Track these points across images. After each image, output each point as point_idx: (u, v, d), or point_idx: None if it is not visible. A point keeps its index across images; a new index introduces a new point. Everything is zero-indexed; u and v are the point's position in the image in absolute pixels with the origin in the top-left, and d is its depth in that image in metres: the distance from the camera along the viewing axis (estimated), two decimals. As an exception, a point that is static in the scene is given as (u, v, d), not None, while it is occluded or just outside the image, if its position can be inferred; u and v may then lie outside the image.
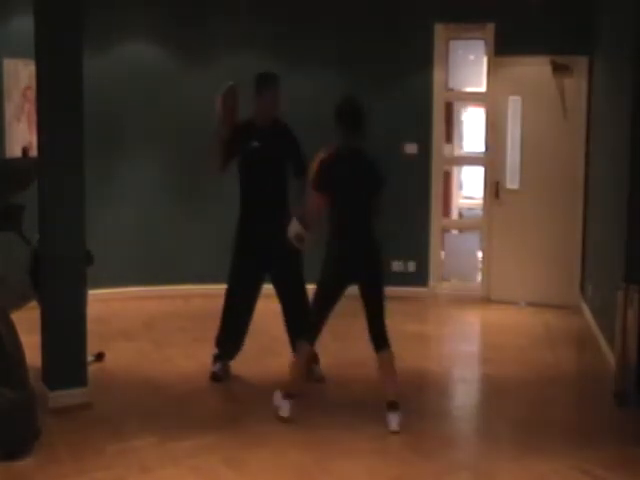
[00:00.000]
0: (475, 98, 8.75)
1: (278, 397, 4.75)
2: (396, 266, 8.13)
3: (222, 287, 7.54)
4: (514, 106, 7.83)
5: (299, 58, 7.92)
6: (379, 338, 4.74)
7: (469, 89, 8.51)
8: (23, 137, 7.21)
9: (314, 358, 5.35)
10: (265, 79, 5.33)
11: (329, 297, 4.72)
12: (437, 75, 7.93)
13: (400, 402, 4.60)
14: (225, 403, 5.08)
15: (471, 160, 9.12)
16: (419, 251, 8.09)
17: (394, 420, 4.53)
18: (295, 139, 5.43)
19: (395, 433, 4.50)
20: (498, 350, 6.27)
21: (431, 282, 8.12)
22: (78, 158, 4.84)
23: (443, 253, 8.32)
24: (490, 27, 7.75)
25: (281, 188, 5.39)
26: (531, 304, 7.69)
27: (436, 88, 7.96)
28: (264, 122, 5.34)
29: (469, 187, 10.16)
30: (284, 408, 4.67)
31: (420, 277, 8.11)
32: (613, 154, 6.11)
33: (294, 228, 4.93)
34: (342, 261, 4.67)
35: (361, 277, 4.70)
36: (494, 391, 5.42)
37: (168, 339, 6.41)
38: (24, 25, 5.85)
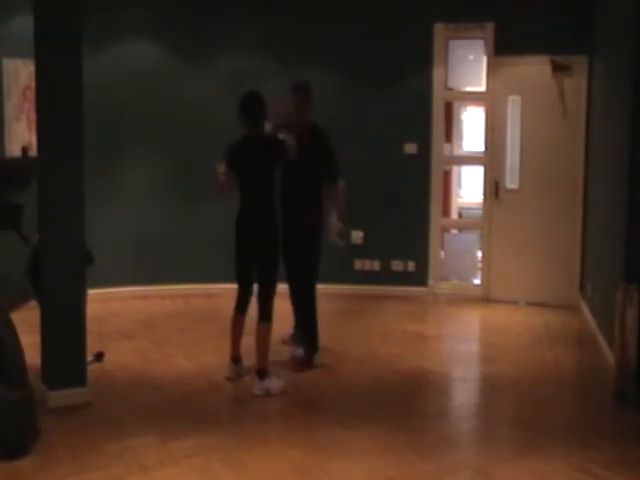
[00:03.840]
0: (475, 98, 8.75)
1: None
2: (396, 266, 8.14)
3: (222, 287, 7.60)
4: (514, 106, 7.83)
5: (299, 58, 7.92)
6: (260, 311, 5.21)
7: (469, 89, 8.51)
8: (23, 137, 7.21)
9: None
10: (291, 87, 5.78)
11: (238, 266, 5.33)
12: (437, 75, 7.93)
13: (268, 370, 5.15)
14: (225, 403, 5.08)
15: (471, 160, 9.12)
16: (419, 251, 8.09)
17: (256, 386, 5.10)
18: (317, 140, 5.67)
19: (256, 396, 5.02)
20: (498, 350, 6.27)
21: (431, 282, 8.12)
22: (78, 158, 4.83)
23: (443, 253, 8.33)
24: (490, 27, 7.75)
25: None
26: (530, 304, 7.69)
27: (436, 88, 7.96)
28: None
29: (467, 188, 10.18)
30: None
31: (420, 277, 8.12)
32: (613, 154, 6.11)
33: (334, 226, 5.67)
34: (239, 229, 5.27)
35: (253, 249, 5.23)
36: (494, 391, 5.42)
37: (168, 339, 6.41)
38: (24, 25, 5.85)
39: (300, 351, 5.78)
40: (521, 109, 7.79)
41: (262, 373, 5.12)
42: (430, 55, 7.90)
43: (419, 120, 7.99)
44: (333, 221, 5.71)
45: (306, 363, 5.69)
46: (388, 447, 4.29)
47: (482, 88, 8.08)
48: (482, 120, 8.39)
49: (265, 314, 5.19)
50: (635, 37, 5.30)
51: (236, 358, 5.42)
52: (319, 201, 5.76)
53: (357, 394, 5.21)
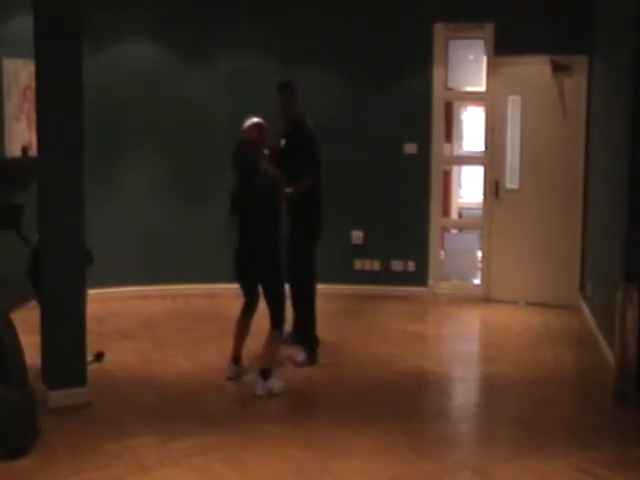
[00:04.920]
0: (475, 98, 8.75)
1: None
2: (396, 266, 8.14)
3: (222, 287, 7.60)
4: (514, 106, 7.83)
5: (299, 58, 7.92)
6: (271, 319, 5.22)
7: (469, 89, 8.51)
8: (23, 137, 7.21)
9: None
10: (278, 85, 5.80)
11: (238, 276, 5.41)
12: (437, 75, 7.93)
13: (272, 371, 5.14)
14: (225, 403, 5.08)
15: (471, 160, 9.13)
16: (419, 251, 8.09)
17: (259, 386, 5.08)
18: (305, 138, 5.68)
19: (258, 397, 5.00)
20: (498, 350, 6.27)
21: (431, 282, 8.11)
22: (78, 158, 4.83)
23: (443, 253, 8.33)
24: (490, 27, 7.75)
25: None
26: (530, 304, 7.69)
27: (436, 88, 7.96)
28: (284, 123, 5.76)
29: (467, 188, 10.19)
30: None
31: (420, 277, 8.11)
32: (613, 154, 6.12)
33: None
34: (236, 261, 5.32)
35: (252, 274, 5.32)
36: (494, 391, 5.42)
37: (168, 339, 6.41)
38: (24, 25, 5.85)
39: (302, 356, 5.74)
40: (521, 109, 7.78)
41: (266, 373, 5.11)
42: (430, 55, 7.90)
43: (419, 120, 7.99)
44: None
45: (310, 361, 5.69)
46: (388, 447, 4.29)
47: (482, 88, 8.08)
48: (482, 120, 8.39)
49: (274, 324, 5.22)
50: (635, 37, 5.30)
51: (237, 359, 5.43)
52: (315, 200, 5.74)
53: (357, 394, 5.21)
